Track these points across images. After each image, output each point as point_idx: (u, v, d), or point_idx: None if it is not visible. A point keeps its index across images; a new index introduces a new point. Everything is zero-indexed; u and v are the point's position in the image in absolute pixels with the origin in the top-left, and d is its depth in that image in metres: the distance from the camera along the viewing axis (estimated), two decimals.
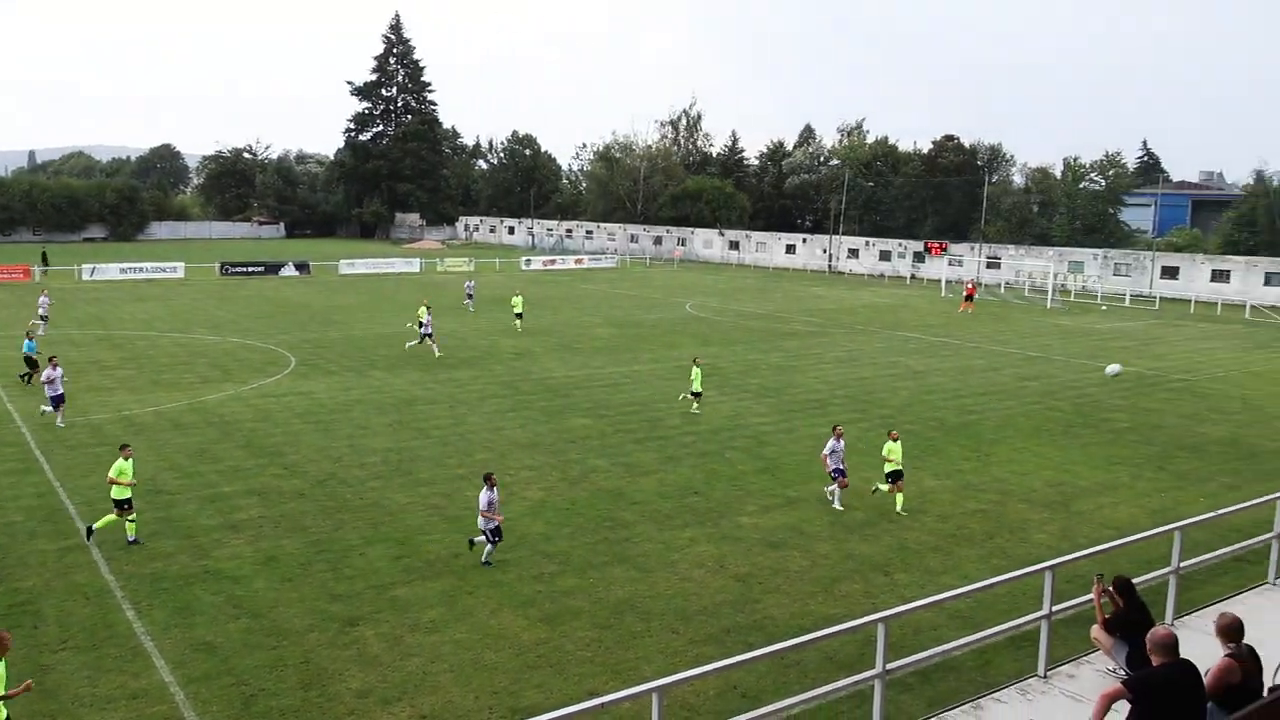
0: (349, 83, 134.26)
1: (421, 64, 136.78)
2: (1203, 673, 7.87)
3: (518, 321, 47.17)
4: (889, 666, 8.90)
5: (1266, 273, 71.86)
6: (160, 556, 17.38)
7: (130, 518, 18.07)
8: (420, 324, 40.07)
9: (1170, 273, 76.68)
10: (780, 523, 19.78)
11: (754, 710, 8.44)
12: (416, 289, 68.01)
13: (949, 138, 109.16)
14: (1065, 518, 20.51)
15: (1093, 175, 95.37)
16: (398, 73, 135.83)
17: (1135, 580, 11.63)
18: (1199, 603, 12.54)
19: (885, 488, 20.82)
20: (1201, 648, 8.71)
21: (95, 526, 18.00)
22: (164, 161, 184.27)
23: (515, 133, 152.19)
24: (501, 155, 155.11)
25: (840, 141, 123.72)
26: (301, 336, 43.98)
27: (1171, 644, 7.66)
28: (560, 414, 28.99)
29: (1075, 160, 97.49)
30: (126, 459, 18.26)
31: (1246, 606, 11.58)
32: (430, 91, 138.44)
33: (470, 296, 56.00)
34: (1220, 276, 73.98)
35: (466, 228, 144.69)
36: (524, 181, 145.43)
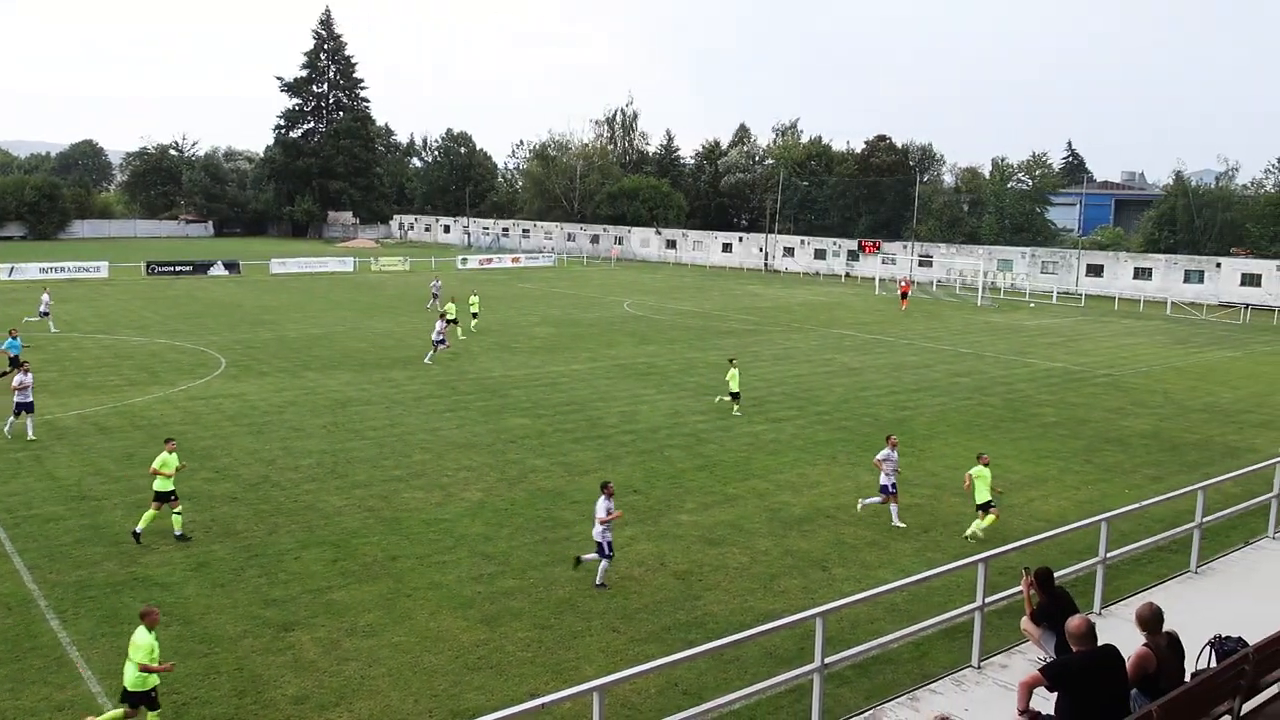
0: (279, 78, 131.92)
1: (353, 60, 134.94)
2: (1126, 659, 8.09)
3: (473, 321, 46.75)
4: (827, 660, 9.00)
5: (1186, 270, 74.17)
6: (86, 564, 16.90)
7: (176, 510, 18.14)
8: (473, 315, 45.25)
9: (1095, 271, 78.75)
10: (719, 520, 19.90)
11: (695, 707, 8.48)
12: (350, 288, 67.09)
13: (881, 138, 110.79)
14: (997, 511, 20.91)
15: (1020, 175, 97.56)
16: (329, 69, 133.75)
17: (1064, 571, 11.94)
18: (1125, 591, 12.89)
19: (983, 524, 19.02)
20: (1128, 635, 8.95)
21: (139, 529, 17.90)
22: (86, 158, 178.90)
23: (450, 130, 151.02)
24: (436, 153, 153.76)
25: (775, 141, 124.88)
26: (232, 337, 43.10)
27: (1085, 632, 7.84)
28: (498, 414, 28.82)
29: (1003, 160, 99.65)
30: (171, 452, 18.40)
31: (1170, 594, 11.94)
32: (363, 88, 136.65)
33: (436, 296, 55.13)
34: (1142, 274, 76.18)
35: (401, 226, 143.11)
36: (459, 180, 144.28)
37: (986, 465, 19.05)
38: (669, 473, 23.20)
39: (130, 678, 11.47)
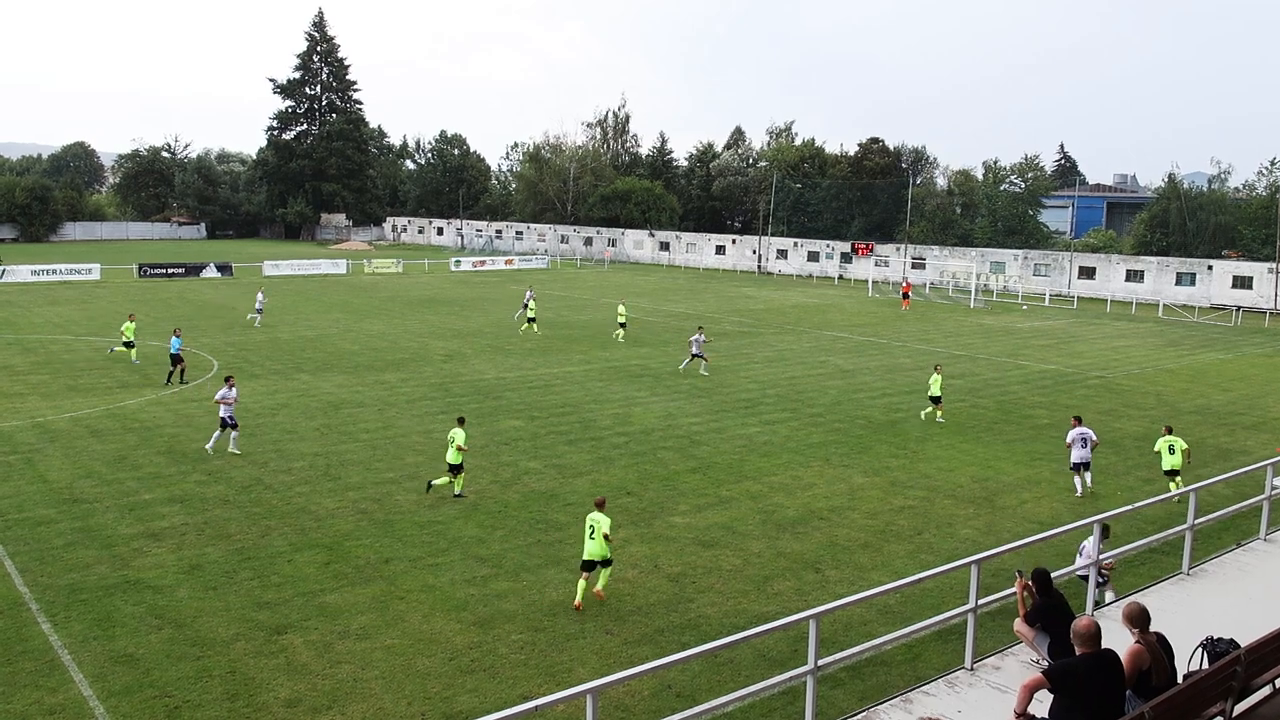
0: (271, 80, 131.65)
1: (346, 62, 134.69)
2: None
3: (532, 325, 47.28)
4: (820, 662, 9.00)
5: (1178, 273, 74.40)
6: (78, 567, 16.84)
7: (458, 477, 20.71)
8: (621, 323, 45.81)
9: (1087, 273, 78.96)
10: (713, 522, 19.90)
11: (688, 709, 8.47)
12: (344, 290, 67.00)
13: (874, 140, 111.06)
14: (990, 513, 20.99)
15: (1012, 178, 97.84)
16: (321, 71, 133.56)
17: (1057, 572, 11.97)
18: (1119, 593, 12.92)
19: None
20: (1120, 636, 8.97)
21: (434, 482, 21.02)
22: (78, 160, 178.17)
23: (443, 132, 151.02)
24: (430, 155, 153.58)
25: (768, 144, 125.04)
26: (225, 339, 43.01)
27: (1093, 634, 7.87)
28: (492, 416, 28.79)
29: (996, 163, 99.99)
30: (462, 426, 20.90)
31: (1162, 596, 11.98)
32: (355, 90, 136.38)
33: (526, 305, 50.31)
34: (1134, 276, 76.40)
35: (394, 228, 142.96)
36: (453, 182, 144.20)
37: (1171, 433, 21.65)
38: (662, 475, 23.21)
39: None
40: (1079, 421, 22.61)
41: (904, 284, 69.67)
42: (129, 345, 36.23)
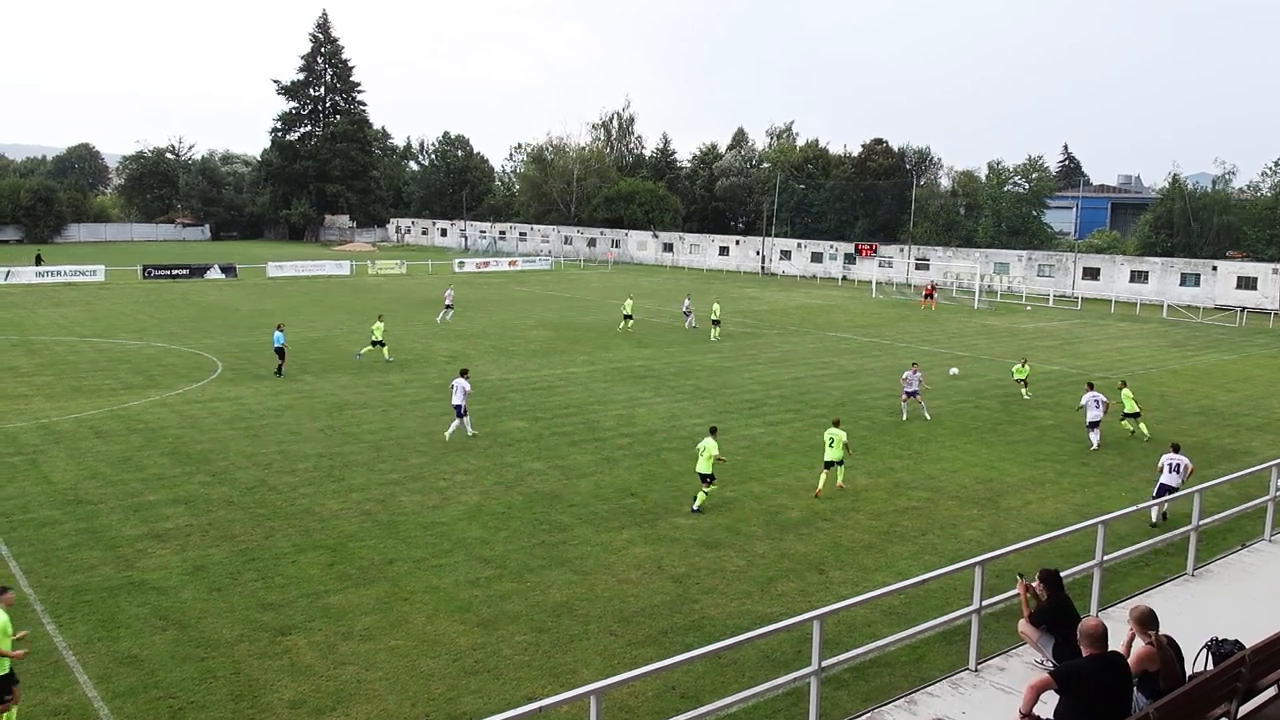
0: (275, 81, 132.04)
1: (350, 63, 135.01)
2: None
3: (627, 323, 48.60)
4: (824, 664, 9.00)
5: (1182, 273, 74.28)
6: (82, 568, 16.86)
7: (706, 490, 20.62)
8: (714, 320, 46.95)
9: (1091, 274, 78.85)
10: (717, 523, 19.89)
11: (692, 710, 8.47)
12: (348, 292, 67.07)
13: (878, 141, 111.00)
14: (994, 514, 20.96)
15: (1016, 178, 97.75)
16: (326, 72, 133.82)
17: (1061, 573, 11.95)
18: (1123, 594, 12.91)
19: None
20: (1124, 637, 8.95)
21: (696, 507, 20.59)
22: (82, 161, 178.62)
23: (447, 133, 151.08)
24: (433, 156, 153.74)
25: (770, 144, 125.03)
26: (229, 341, 43.06)
27: (1100, 635, 7.85)
28: (495, 417, 28.80)
29: (999, 164, 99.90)
30: (714, 436, 21.03)
31: (1167, 597, 11.96)
32: (359, 91, 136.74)
33: (688, 314, 51.08)
34: (1139, 277, 76.28)
35: (398, 229, 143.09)
36: (456, 183, 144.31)
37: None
38: (666, 475, 23.20)
39: None
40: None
41: (928, 285, 71.29)
42: (379, 344, 37.92)
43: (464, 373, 26.70)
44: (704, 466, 20.48)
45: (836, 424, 22.06)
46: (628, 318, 48.73)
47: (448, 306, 51.70)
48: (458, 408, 26.02)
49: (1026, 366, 34.43)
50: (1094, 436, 26.59)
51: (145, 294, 63.08)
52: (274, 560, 17.43)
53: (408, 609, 15.49)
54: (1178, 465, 20.09)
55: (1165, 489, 19.80)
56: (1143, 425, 28.12)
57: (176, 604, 15.51)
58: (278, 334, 35.28)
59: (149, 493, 21.08)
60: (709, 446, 20.53)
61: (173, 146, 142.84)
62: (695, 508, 20.47)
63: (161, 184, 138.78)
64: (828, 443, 21.72)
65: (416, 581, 16.61)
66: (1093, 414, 26.60)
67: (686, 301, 43.87)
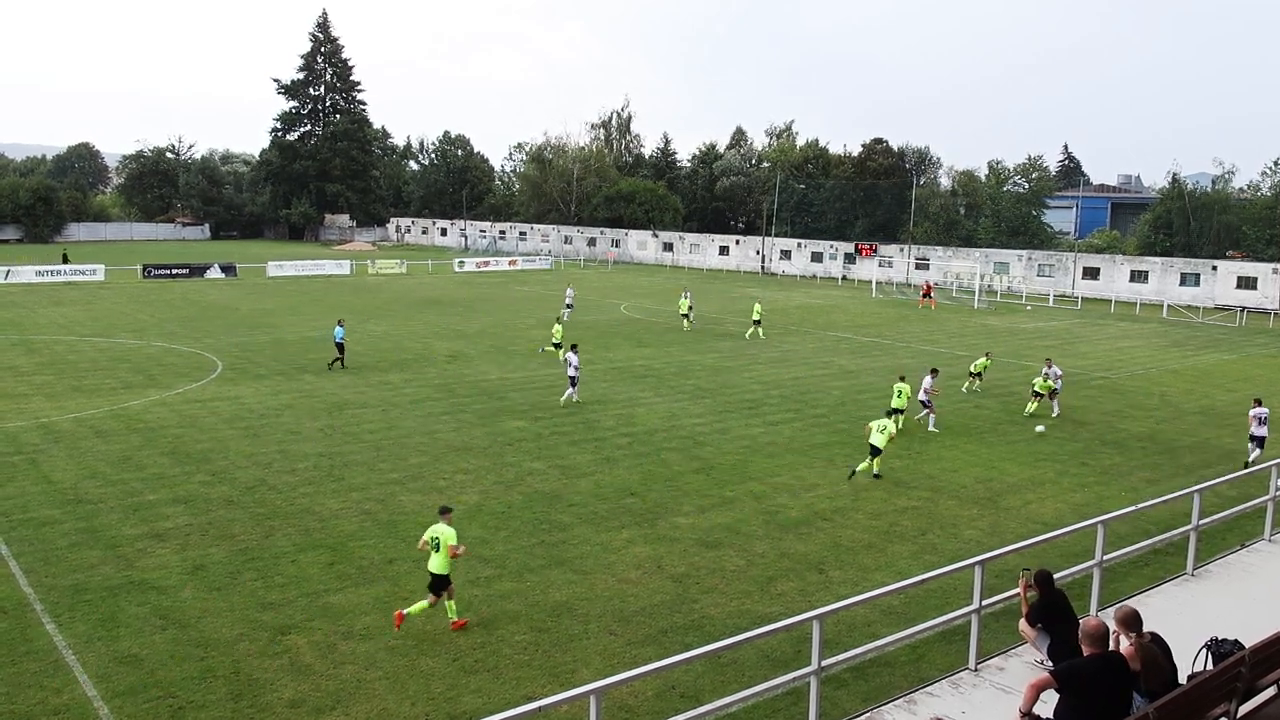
0: (275, 81, 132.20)
1: (350, 63, 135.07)
2: None
3: (685, 321, 50.15)
4: (824, 663, 9.00)
5: (1182, 273, 74.30)
6: (82, 567, 16.87)
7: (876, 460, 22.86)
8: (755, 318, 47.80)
9: (1091, 273, 78.87)
10: (716, 523, 19.90)
11: (692, 710, 8.47)
12: (347, 291, 67.09)
13: (878, 141, 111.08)
14: (994, 513, 20.97)
15: (1016, 178, 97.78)
16: (326, 71, 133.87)
17: (1061, 573, 11.95)
18: (1123, 593, 12.91)
19: None
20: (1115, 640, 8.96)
21: (859, 469, 22.83)
22: (82, 161, 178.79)
23: (447, 133, 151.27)
24: (433, 156, 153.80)
25: (769, 144, 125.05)
26: (229, 340, 43.07)
27: (1101, 634, 7.86)
28: (495, 416, 28.81)
29: (999, 163, 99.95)
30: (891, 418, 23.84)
31: (1166, 597, 11.97)
32: (359, 91, 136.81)
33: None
34: (1139, 277, 76.31)
35: (398, 229, 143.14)
36: (456, 182, 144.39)
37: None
38: (665, 475, 23.20)
39: None
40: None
41: (925, 284, 72.20)
42: (558, 346, 39.07)
43: (574, 348, 31.67)
44: (879, 440, 22.80)
45: (902, 379, 27.65)
46: (685, 315, 50.30)
47: (568, 306, 54.33)
48: (572, 378, 30.67)
49: (987, 359, 35.37)
50: (1032, 404, 30.65)
51: (145, 293, 63.09)
52: (274, 560, 17.43)
53: (407, 608, 15.47)
54: (1263, 416, 24.87)
55: (1256, 439, 24.94)
56: (1032, 405, 30.87)
57: (176, 603, 15.51)
58: (338, 329, 37.23)
59: (149, 492, 21.08)
60: (886, 425, 22.91)
61: (173, 146, 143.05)
62: (876, 473, 23.14)
63: (161, 183, 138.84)
64: (895, 394, 26.74)
65: (416, 581, 16.60)
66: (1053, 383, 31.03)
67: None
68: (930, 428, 28.61)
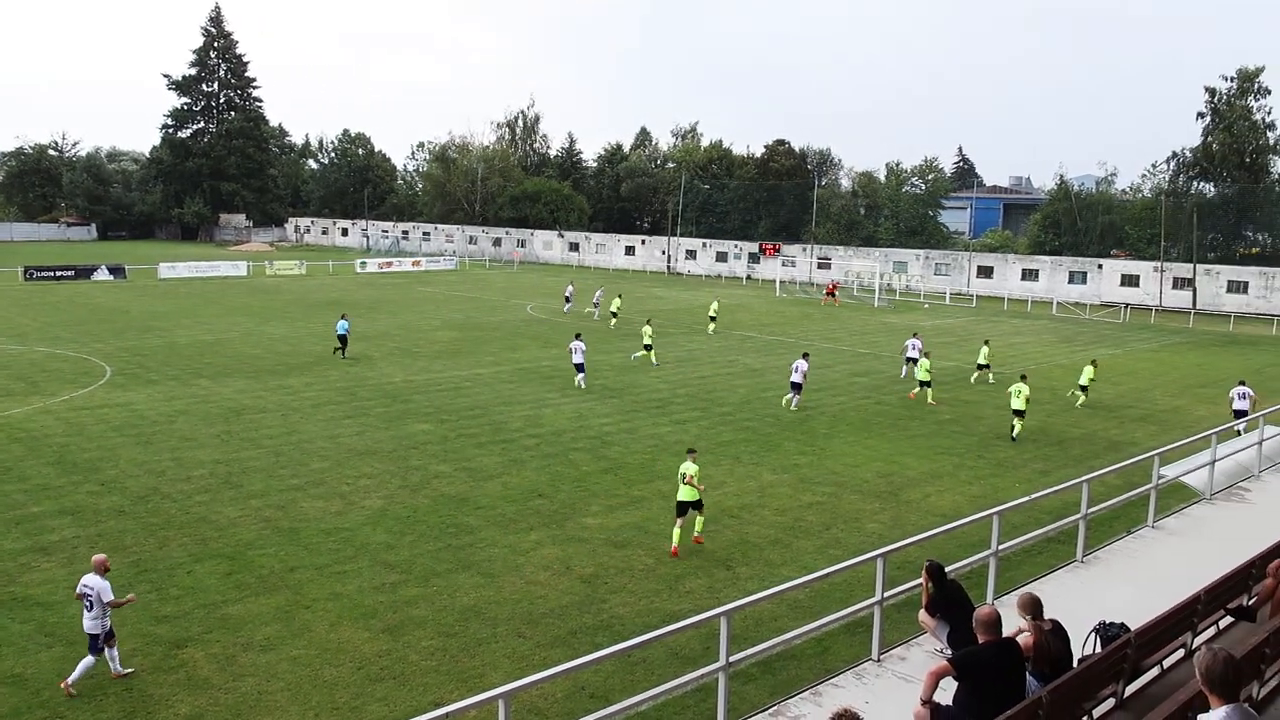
0: (165, 76, 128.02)
1: (245, 59, 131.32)
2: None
3: (712, 323, 50.87)
4: (732, 659, 9.08)
5: (1070, 271, 77.26)
6: None
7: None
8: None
9: (985, 272, 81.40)
10: (625, 522, 19.92)
11: (602, 710, 8.45)
12: (244, 293, 65.24)
13: (780, 142, 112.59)
14: (895, 507, 21.46)
15: (914, 180, 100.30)
16: (219, 67, 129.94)
17: (958, 563, 12.30)
18: (1017, 581, 13.31)
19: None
20: (1019, 624, 9.25)
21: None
22: None
23: (347, 131, 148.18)
24: (333, 154, 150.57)
25: (675, 145, 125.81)
26: (118, 344, 41.46)
27: (994, 621, 8.10)
28: (400, 420, 28.34)
29: (898, 165, 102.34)
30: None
31: (1058, 583, 12.39)
32: (255, 88, 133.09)
33: (569, 299, 59.60)
34: (1030, 275, 79.05)
35: (297, 229, 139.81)
36: (358, 182, 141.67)
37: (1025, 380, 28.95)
38: (574, 476, 23.14)
39: None
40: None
41: (829, 284, 75.02)
42: (649, 348, 39.84)
43: (578, 336, 34.22)
44: (1017, 403, 26.88)
45: (1023, 378, 28.95)
46: (712, 319, 51.19)
47: (595, 304, 56.38)
48: (578, 365, 33.07)
49: (987, 348, 37.77)
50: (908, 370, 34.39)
51: (27, 296, 60.35)
52: (168, 571, 16.84)
53: (310, 617, 15.12)
54: (1244, 394, 27.97)
55: (1238, 413, 27.20)
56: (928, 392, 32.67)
57: (63, 620, 14.84)
58: (342, 322, 39.25)
59: (32, 504, 20.15)
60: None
61: (55, 143, 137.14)
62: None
63: (44, 182, 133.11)
64: (1015, 394, 27.86)
65: (319, 589, 16.23)
66: (910, 354, 35.87)
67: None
68: (791, 407, 31.02)
